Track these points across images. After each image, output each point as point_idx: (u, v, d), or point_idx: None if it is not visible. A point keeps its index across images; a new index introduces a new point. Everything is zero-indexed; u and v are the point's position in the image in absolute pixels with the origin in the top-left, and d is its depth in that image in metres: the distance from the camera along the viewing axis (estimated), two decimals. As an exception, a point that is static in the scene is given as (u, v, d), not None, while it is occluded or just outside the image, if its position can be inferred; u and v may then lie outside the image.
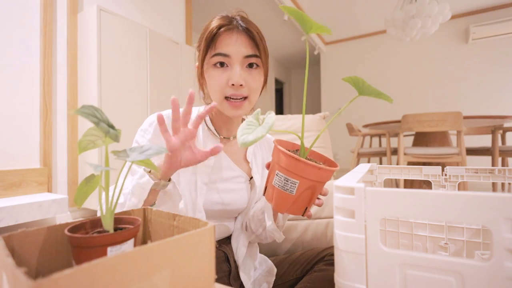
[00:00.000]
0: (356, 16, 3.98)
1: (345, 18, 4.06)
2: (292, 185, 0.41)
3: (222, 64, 0.58)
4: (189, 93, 0.46)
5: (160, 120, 0.46)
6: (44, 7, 1.59)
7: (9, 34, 1.47)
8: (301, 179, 0.41)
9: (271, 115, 0.38)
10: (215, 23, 0.59)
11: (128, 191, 0.51)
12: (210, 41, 0.58)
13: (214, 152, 0.48)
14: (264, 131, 0.35)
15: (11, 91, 1.48)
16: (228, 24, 0.58)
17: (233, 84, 0.57)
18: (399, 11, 2.58)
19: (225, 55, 0.57)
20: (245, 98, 0.60)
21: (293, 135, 1.33)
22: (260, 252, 0.91)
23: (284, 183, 0.42)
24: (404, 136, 2.41)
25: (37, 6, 1.58)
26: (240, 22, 0.59)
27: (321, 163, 0.47)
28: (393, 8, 3.40)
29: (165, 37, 2.18)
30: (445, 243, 0.56)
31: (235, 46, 0.57)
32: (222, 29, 0.58)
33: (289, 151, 0.46)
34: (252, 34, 0.59)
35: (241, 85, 0.57)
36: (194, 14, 3.15)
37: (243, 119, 0.76)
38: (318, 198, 0.50)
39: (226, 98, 0.59)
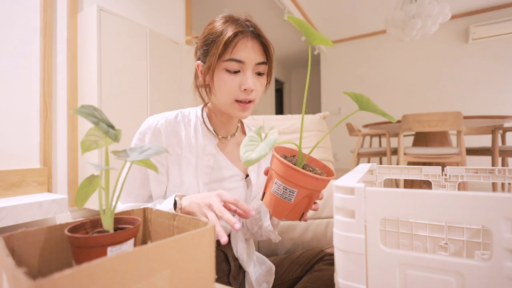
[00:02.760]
0: (356, 16, 3.98)
1: (345, 18, 4.06)
2: (291, 193, 0.43)
3: (235, 70, 0.60)
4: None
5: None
6: (44, 7, 1.59)
7: (9, 34, 1.47)
8: (300, 188, 0.42)
9: (274, 131, 0.38)
10: (229, 28, 0.59)
11: None
12: (225, 45, 0.58)
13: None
14: (267, 148, 0.36)
15: (11, 91, 1.48)
16: (243, 30, 0.59)
17: (245, 89, 0.59)
18: (399, 11, 2.57)
19: (239, 61, 0.59)
20: (251, 101, 0.62)
21: (293, 134, 1.33)
22: (260, 252, 0.91)
23: (283, 191, 0.43)
24: (404, 136, 2.41)
25: (37, 6, 1.58)
26: (251, 28, 0.61)
27: (317, 169, 0.49)
28: (393, 8, 3.39)
29: (165, 37, 2.18)
30: (445, 243, 0.56)
31: (250, 53, 0.59)
32: (238, 36, 0.59)
33: (286, 157, 0.47)
34: (264, 40, 0.61)
35: (251, 90, 0.60)
36: (194, 14, 3.15)
37: (240, 121, 0.77)
38: (315, 203, 0.51)
39: (237, 100, 0.61)
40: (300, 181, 0.42)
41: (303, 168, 0.45)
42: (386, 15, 2.72)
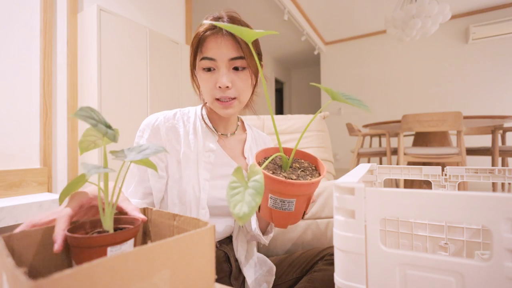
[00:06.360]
0: (356, 16, 3.98)
1: (345, 18, 4.06)
2: (290, 203, 0.41)
3: (209, 68, 0.60)
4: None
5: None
6: (44, 7, 1.59)
7: (9, 34, 1.47)
8: (297, 196, 0.41)
9: (259, 177, 0.31)
10: (203, 26, 0.60)
11: None
12: (197, 45, 0.60)
13: None
14: (253, 202, 0.28)
15: (11, 91, 1.48)
16: (214, 27, 0.58)
17: (220, 87, 0.58)
18: (399, 11, 2.58)
19: (211, 59, 0.58)
20: (234, 98, 0.61)
21: (293, 134, 1.32)
22: (260, 252, 0.91)
23: (281, 204, 0.42)
24: (404, 136, 2.41)
25: (37, 6, 1.58)
26: (226, 23, 0.59)
27: (305, 162, 0.48)
28: (393, 8, 3.40)
29: (165, 37, 2.18)
30: (445, 243, 0.56)
31: (220, 50, 0.58)
32: (208, 32, 0.58)
33: (268, 158, 0.46)
34: (235, 36, 0.58)
35: (227, 87, 0.58)
36: (194, 14, 3.15)
37: (239, 118, 0.76)
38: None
39: (216, 99, 0.61)
40: (297, 191, 0.40)
41: (290, 166, 0.44)
42: (386, 15, 2.72)
